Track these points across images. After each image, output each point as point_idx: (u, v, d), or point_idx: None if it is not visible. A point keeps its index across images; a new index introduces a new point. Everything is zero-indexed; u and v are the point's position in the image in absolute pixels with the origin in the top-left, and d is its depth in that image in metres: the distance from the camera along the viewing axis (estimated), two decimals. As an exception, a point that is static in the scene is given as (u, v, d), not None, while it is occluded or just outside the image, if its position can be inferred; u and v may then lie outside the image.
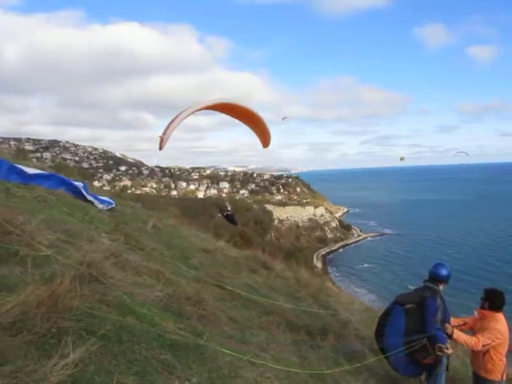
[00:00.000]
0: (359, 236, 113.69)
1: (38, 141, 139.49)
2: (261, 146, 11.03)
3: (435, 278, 5.99)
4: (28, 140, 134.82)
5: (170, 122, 7.53)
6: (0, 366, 2.38)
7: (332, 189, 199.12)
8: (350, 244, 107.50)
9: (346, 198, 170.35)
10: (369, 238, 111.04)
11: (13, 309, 2.67)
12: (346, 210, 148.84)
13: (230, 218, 17.23)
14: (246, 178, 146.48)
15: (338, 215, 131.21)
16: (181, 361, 3.50)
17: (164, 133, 7.31)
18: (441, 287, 6.00)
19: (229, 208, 19.56)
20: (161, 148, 7.30)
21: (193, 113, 8.20)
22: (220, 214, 18.21)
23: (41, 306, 2.77)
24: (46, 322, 2.79)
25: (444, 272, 5.98)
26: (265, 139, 10.92)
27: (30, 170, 7.89)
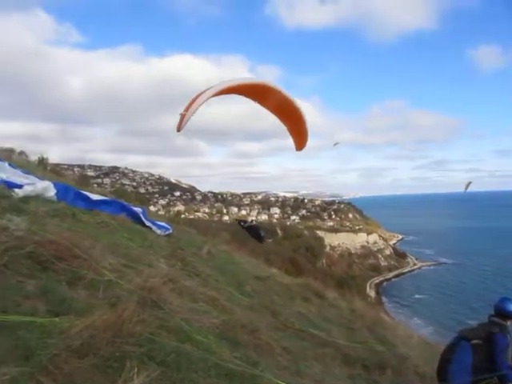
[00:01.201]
0: (415, 265, 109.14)
1: (99, 167, 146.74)
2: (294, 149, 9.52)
3: (502, 313, 5.62)
4: (90, 166, 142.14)
5: (194, 99, 6.36)
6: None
7: (385, 215, 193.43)
8: (405, 273, 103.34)
9: (400, 224, 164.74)
10: (425, 267, 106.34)
11: (81, 332, 2.78)
12: (400, 237, 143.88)
13: (253, 231, 16.02)
14: (297, 203, 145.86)
15: (392, 242, 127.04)
16: (238, 391, 3.48)
17: (186, 110, 6.18)
18: (508, 323, 5.62)
19: (252, 219, 18.74)
20: (179, 129, 6.13)
21: (219, 92, 6.95)
22: (240, 225, 17.11)
23: (107, 331, 2.87)
24: (110, 346, 2.88)
25: None
26: (301, 138, 9.37)
27: (94, 196, 8.31)
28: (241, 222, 16.43)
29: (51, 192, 6.88)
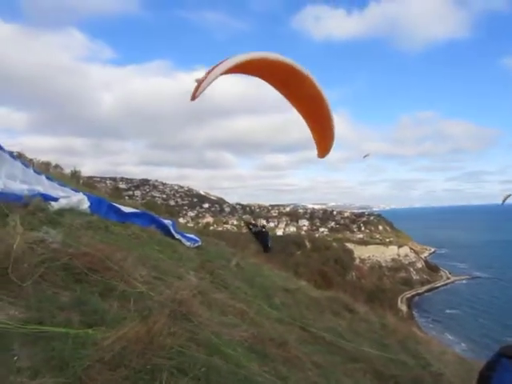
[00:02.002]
0: (448, 279, 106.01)
1: (131, 180, 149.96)
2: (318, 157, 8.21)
3: None
4: (122, 179, 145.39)
5: (213, 68, 5.65)
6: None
7: (417, 227, 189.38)
8: (438, 287, 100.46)
9: (432, 237, 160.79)
10: (458, 282, 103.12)
11: (113, 344, 2.83)
12: (432, 250, 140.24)
13: (260, 238, 15.31)
14: (326, 215, 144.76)
15: (424, 255, 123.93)
16: (267, 406, 3.44)
17: (204, 78, 5.52)
18: None
19: (264, 225, 17.85)
20: (194, 97, 5.41)
21: (240, 65, 5.94)
22: (248, 230, 16.49)
23: (138, 343, 2.90)
24: (141, 359, 2.91)
25: None
26: (325, 142, 8.13)
27: (126, 209, 8.48)
28: (250, 226, 15.98)
29: (85, 205, 7.08)
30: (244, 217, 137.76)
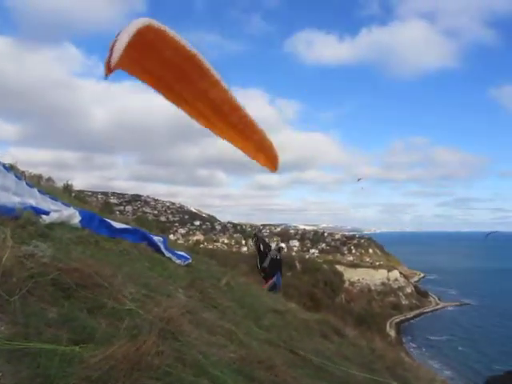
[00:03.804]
0: (437, 304, 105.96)
1: (123, 195, 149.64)
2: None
3: None
4: (113, 194, 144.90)
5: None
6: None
7: (407, 252, 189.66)
8: (427, 313, 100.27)
9: (422, 262, 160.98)
10: (448, 308, 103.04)
11: (101, 362, 2.79)
12: (422, 275, 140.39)
13: (271, 265, 14.50)
14: (317, 236, 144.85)
15: (413, 280, 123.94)
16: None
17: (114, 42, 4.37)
18: None
19: (278, 247, 16.14)
20: (110, 69, 4.35)
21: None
22: (255, 247, 15.70)
23: (126, 362, 2.87)
24: (128, 378, 2.87)
25: None
26: (270, 153, 7.40)
27: (117, 225, 8.43)
28: (258, 242, 15.22)
29: (76, 219, 7.03)
30: (235, 236, 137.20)
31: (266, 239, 17.88)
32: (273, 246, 15.96)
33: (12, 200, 6.22)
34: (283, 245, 16.07)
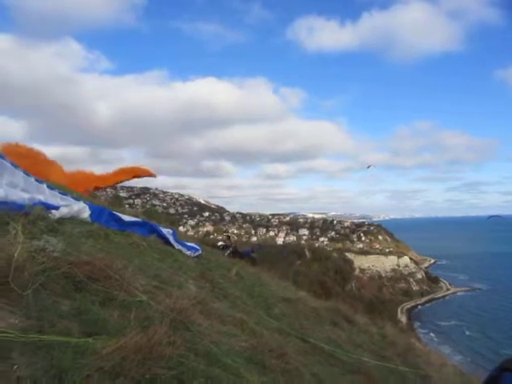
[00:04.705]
0: (448, 290, 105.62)
1: (131, 188, 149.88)
2: None
3: None
4: (122, 188, 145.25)
5: None
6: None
7: (417, 238, 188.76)
8: (438, 298, 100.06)
9: (432, 248, 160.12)
10: (459, 293, 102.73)
11: (113, 353, 2.83)
12: (432, 261, 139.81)
13: (238, 255, 15.42)
14: (326, 225, 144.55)
15: (424, 266, 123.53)
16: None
17: None
18: None
19: (230, 242, 17.43)
20: None
21: None
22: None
23: (138, 352, 2.90)
24: (141, 368, 2.91)
25: None
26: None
27: (127, 218, 8.48)
28: (222, 247, 16.05)
29: (86, 213, 7.09)
30: (244, 226, 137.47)
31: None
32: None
33: (21, 196, 6.28)
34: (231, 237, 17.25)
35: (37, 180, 7.26)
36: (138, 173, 13.99)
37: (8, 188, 6.13)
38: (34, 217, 5.49)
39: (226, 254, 15.39)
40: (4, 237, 4.15)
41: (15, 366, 2.62)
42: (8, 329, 2.91)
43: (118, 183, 15.11)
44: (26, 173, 7.08)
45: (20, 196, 6.19)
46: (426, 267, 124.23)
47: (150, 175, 14.37)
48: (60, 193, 7.64)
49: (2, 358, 2.64)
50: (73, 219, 6.66)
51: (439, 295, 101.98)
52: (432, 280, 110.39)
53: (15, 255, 3.52)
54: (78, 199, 7.75)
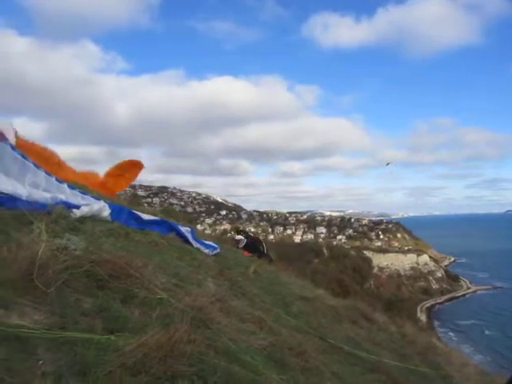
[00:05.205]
0: (468, 288, 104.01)
1: (150, 187, 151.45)
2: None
3: None
4: (140, 186, 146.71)
5: None
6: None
7: (436, 235, 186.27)
8: (458, 297, 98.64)
9: (452, 245, 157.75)
10: (479, 292, 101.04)
11: (135, 350, 2.87)
12: (452, 259, 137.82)
13: (250, 247, 15.24)
14: (344, 222, 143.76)
15: (443, 264, 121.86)
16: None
17: None
18: None
19: (246, 234, 17.12)
20: None
21: None
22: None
23: (159, 350, 2.94)
24: (162, 365, 2.94)
25: None
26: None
27: (146, 217, 8.57)
28: (237, 241, 15.84)
29: (106, 212, 7.18)
30: (262, 224, 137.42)
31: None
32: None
33: (44, 196, 6.40)
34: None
35: (58, 180, 7.40)
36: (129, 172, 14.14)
37: (31, 188, 6.26)
38: (56, 216, 5.60)
39: (241, 246, 15.30)
40: (28, 235, 4.24)
41: (40, 362, 2.68)
42: (33, 325, 2.99)
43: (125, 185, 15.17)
44: (48, 173, 7.21)
45: (42, 196, 6.32)
46: (445, 265, 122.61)
47: (137, 166, 14.33)
48: (80, 192, 7.76)
49: (28, 353, 2.71)
50: (93, 218, 6.76)
51: (460, 294, 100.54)
52: (452, 278, 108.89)
53: (39, 253, 3.60)
54: (98, 198, 7.86)
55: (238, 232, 17.58)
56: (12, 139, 12.11)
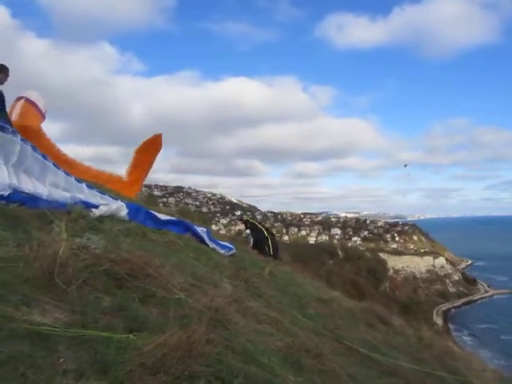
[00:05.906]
0: (486, 292, 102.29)
1: (165, 187, 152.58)
2: None
3: None
4: (156, 186, 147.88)
5: None
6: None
7: (453, 238, 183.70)
8: (476, 300, 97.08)
9: (469, 248, 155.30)
10: (498, 296, 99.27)
11: (154, 350, 2.89)
12: (469, 262, 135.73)
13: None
14: (359, 224, 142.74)
15: (460, 267, 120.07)
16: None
17: None
18: None
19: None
20: None
21: None
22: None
23: (178, 350, 2.95)
24: (181, 365, 2.95)
25: None
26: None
27: (162, 217, 8.65)
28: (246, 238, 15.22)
29: (123, 212, 7.26)
30: (276, 225, 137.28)
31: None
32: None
33: (63, 195, 6.50)
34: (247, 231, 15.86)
35: (77, 179, 7.50)
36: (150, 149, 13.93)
37: (51, 188, 6.36)
38: (75, 215, 5.68)
39: (250, 246, 14.94)
40: (49, 234, 4.30)
41: (61, 359, 2.72)
42: (54, 323, 3.03)
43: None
44: (67, 173, 7.32)
45: (62, 195, 6.42)
46: (462, 268, 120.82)
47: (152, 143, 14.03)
48: (98, 191, 7.86)
49: (49, 350, 2.74)
50: (112, 217, 6.83)
51: (477, 297, 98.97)
52: (469, 281, 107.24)
53: (60, 252, 3.65)
54: (115, 198, 7.95)
55: (244, 222, 16.90)
56: (43, 107, 12.39)
